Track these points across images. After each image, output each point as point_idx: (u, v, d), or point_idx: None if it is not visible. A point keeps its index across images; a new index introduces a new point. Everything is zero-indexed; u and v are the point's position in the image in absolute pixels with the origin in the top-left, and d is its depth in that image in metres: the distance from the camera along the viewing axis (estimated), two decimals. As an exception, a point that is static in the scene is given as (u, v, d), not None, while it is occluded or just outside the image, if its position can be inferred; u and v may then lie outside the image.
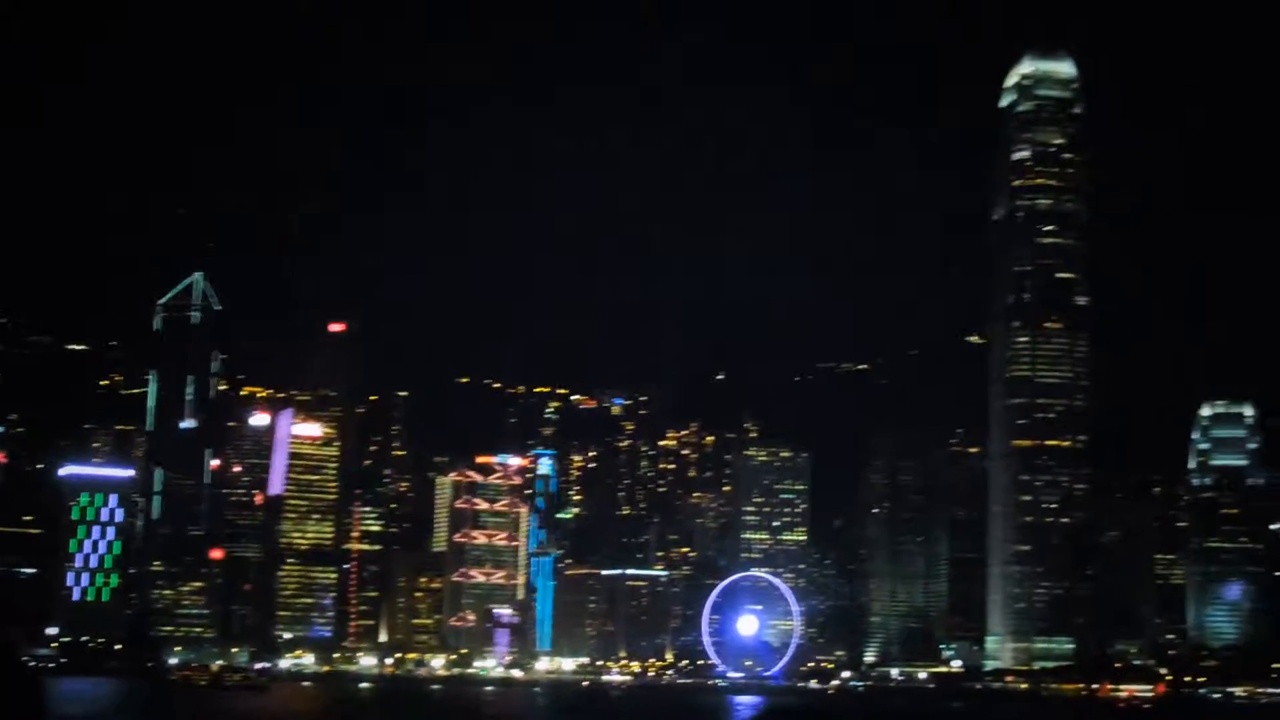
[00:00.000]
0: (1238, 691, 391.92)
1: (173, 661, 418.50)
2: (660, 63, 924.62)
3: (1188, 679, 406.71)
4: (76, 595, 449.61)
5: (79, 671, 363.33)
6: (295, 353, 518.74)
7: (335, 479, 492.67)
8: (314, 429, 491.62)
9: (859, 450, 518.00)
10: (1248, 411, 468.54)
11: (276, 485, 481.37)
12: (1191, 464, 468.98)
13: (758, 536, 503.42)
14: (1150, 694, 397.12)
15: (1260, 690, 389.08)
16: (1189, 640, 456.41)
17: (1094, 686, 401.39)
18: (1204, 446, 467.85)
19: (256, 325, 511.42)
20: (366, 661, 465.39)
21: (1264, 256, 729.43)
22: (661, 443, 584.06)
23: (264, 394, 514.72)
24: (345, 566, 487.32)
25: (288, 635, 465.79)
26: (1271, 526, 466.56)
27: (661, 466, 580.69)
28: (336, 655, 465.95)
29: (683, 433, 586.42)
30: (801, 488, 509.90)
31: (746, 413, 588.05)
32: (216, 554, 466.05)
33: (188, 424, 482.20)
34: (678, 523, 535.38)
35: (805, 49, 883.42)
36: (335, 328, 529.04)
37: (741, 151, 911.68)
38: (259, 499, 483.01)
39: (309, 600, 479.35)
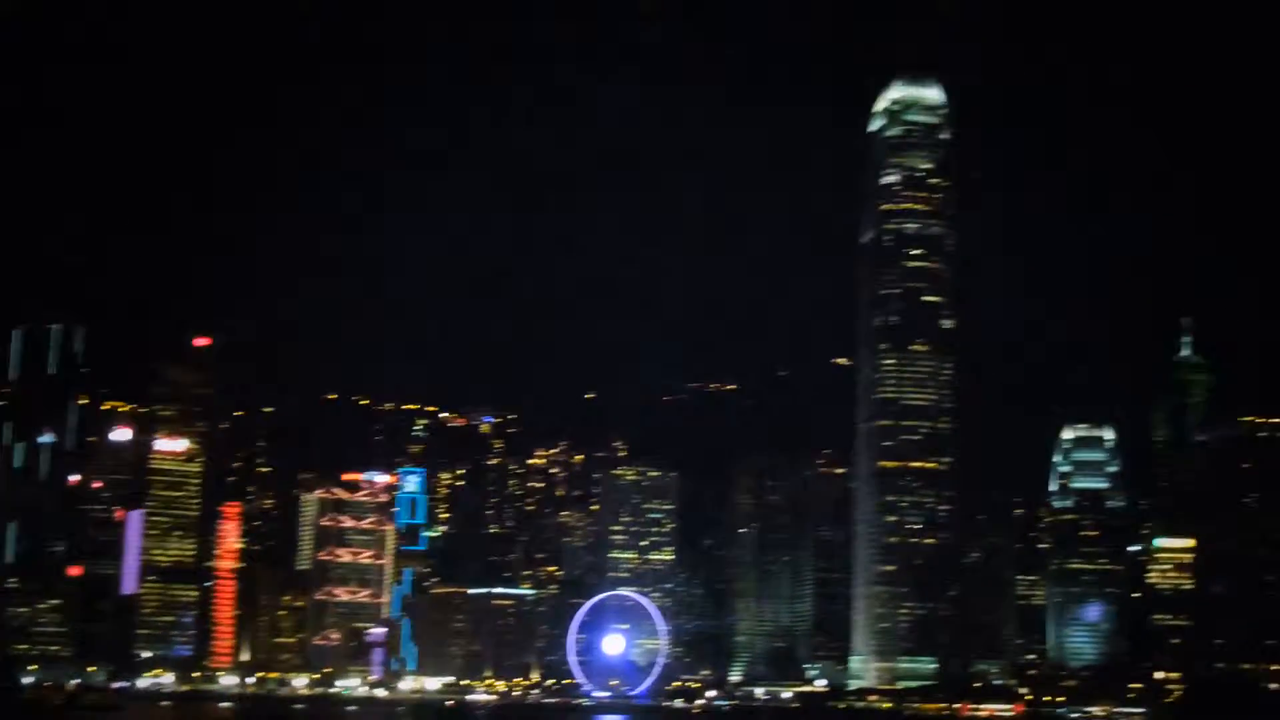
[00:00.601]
0: (1096, 711, 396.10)
1: (27, 680, 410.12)
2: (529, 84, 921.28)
3: (1047, 698, 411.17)
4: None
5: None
6: (159, 367, 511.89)
7: (198, 495, 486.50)
8: (177, 445, 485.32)
9: (727, 470, 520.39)
10: (1108, 435, 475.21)
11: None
12: (1053, 486, 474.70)
13: (625, 556, 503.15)
14: (1009, 713, 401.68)
15: (1117, 710, 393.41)
16: (1049, 660, 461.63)
17: (955, 706, 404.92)
18: (1065, 469, 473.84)
19: (119, 339, 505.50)
20: (228, 680, 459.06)
21: (1126, 282, 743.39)
22: (530, 461, 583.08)
23: (126, 409, 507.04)
24: (207, 584, 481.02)
25: (147, 654, 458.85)
26: (1130, 549, 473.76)
27: (530, 485, 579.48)
28: (197, 674, 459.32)
29: (551, 451, 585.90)
30: (669, 507, 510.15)
31: (615, 432, 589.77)
32: (75, 571, 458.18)
33: (46, 439, 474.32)
34: (545, 541, 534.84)
35: (678, 64, 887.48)
36: (200, 342, 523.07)
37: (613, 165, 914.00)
38: (119, 515, 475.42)
39: (169, 618, 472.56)
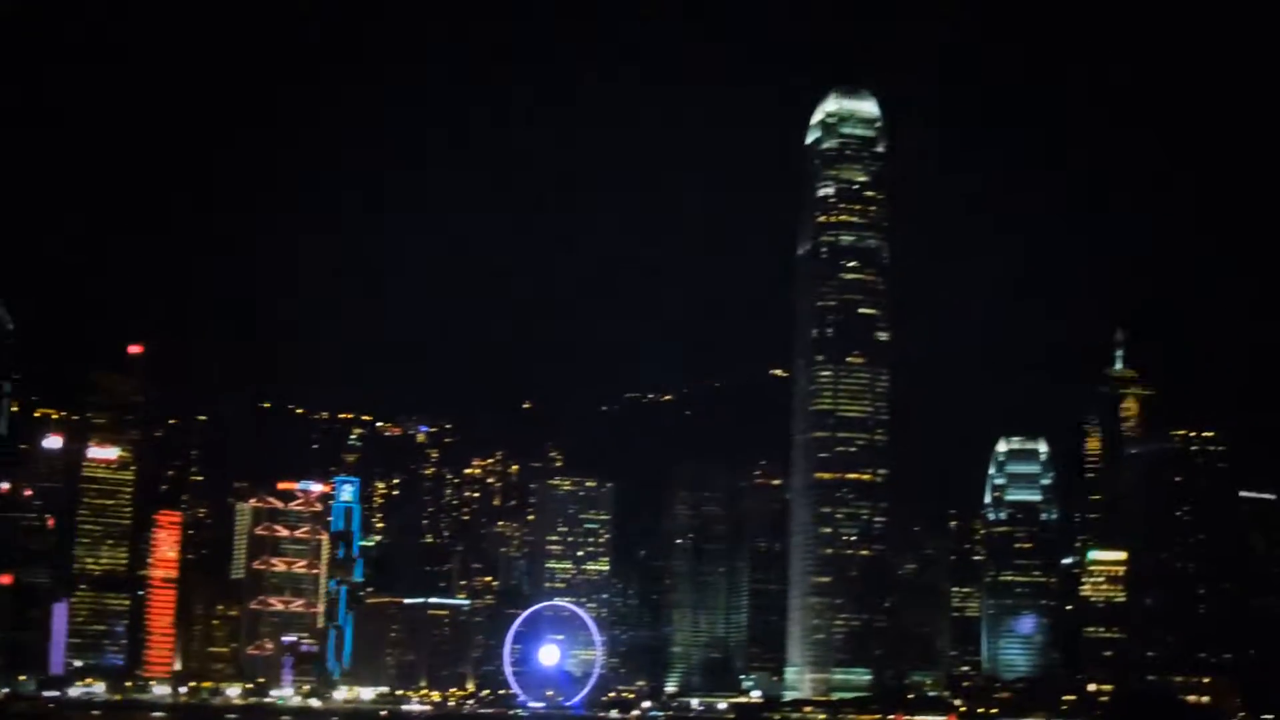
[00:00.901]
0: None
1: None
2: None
3: (981, 710, 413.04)
4: None
5: None
6: (92, 375, 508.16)
7: (131, 504, 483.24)
8: (110, 452, 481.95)
9: (663, 481, 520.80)
10: (1042, 448, 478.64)
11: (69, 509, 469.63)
12: (988, 499, 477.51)
13: (561, 566, 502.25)
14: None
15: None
16: (983, 672, 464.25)
17: (890, 717, 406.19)
18: (999, 481, 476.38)
19: (52, 345, 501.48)
20: (160, 690, 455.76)
21: (1058, 296, 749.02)
22: (466, 471, 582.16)
23: (58, 416, 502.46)
24: (140, 593, 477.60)
25: (79, 663, 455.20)
26: (1063, 561, 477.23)
27: (465, 495, 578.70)
28: (129, 684, 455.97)
29: (487, 461, 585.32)
30: (605, 518, 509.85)
31: (551, 442, 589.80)
32: (4, 579, 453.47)
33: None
34: (481, 551, 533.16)
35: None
36: (134, 350, 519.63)
37: (554, 182, 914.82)
38: (50, 523, 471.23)
39: (101, 627, 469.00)
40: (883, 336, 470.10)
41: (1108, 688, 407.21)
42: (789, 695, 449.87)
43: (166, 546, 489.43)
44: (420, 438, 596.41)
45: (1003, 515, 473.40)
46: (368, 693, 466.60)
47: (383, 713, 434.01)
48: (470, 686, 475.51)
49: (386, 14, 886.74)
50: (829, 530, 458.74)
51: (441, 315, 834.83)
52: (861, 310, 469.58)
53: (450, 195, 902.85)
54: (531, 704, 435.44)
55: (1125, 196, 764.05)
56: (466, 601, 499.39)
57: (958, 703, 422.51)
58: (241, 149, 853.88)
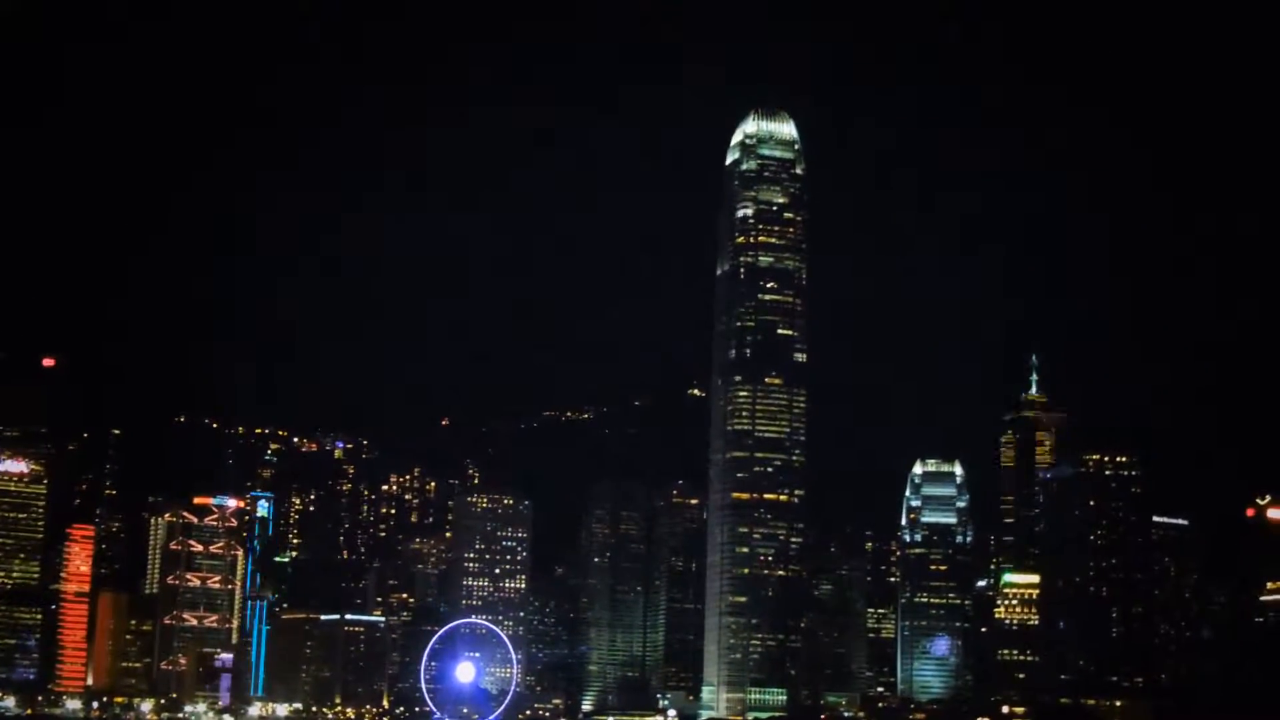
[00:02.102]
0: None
1: None
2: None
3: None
4: None
5: None
6: (3, 386, 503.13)
7: (42, 517, 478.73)
8: (20, 466, 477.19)
9: (581, 499, 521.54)
10: (958, 470, 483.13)
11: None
12: (903, 520, 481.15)
13: (478, 583, 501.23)
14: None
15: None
16: (898, 693, 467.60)
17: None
18: (915, 504, 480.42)
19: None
20: (72, 705, 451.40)
21: (978, 314, 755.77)
22: (383, 487, 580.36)
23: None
24: (53, 607, 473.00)
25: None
26: (978, 583, 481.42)
27: (382, 511, 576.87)
28: (40, 698, 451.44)
29: (404, 478, 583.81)
30: (523, 535, 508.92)
31: (469, 459, 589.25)
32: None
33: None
34: (397, 568, 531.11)
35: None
36: (46, 362, 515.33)
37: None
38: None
39: (12, 641, 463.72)
40: (800, 357, 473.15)
41: (1020, 709, 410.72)
42: (705, 715, 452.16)
43: (79, 560, 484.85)
44: (337, 453, 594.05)
45: (918, 537, 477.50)
46: (282, 709, 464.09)
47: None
48: (386, 703, 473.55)
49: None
50: (745, 550, 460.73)
51: (361, 330, 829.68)
52: (780, 331, 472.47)
53: (370, 209, 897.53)
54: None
55: (1041, 220, 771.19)
56: (382, 619, 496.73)
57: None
58: (163, 157, 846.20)
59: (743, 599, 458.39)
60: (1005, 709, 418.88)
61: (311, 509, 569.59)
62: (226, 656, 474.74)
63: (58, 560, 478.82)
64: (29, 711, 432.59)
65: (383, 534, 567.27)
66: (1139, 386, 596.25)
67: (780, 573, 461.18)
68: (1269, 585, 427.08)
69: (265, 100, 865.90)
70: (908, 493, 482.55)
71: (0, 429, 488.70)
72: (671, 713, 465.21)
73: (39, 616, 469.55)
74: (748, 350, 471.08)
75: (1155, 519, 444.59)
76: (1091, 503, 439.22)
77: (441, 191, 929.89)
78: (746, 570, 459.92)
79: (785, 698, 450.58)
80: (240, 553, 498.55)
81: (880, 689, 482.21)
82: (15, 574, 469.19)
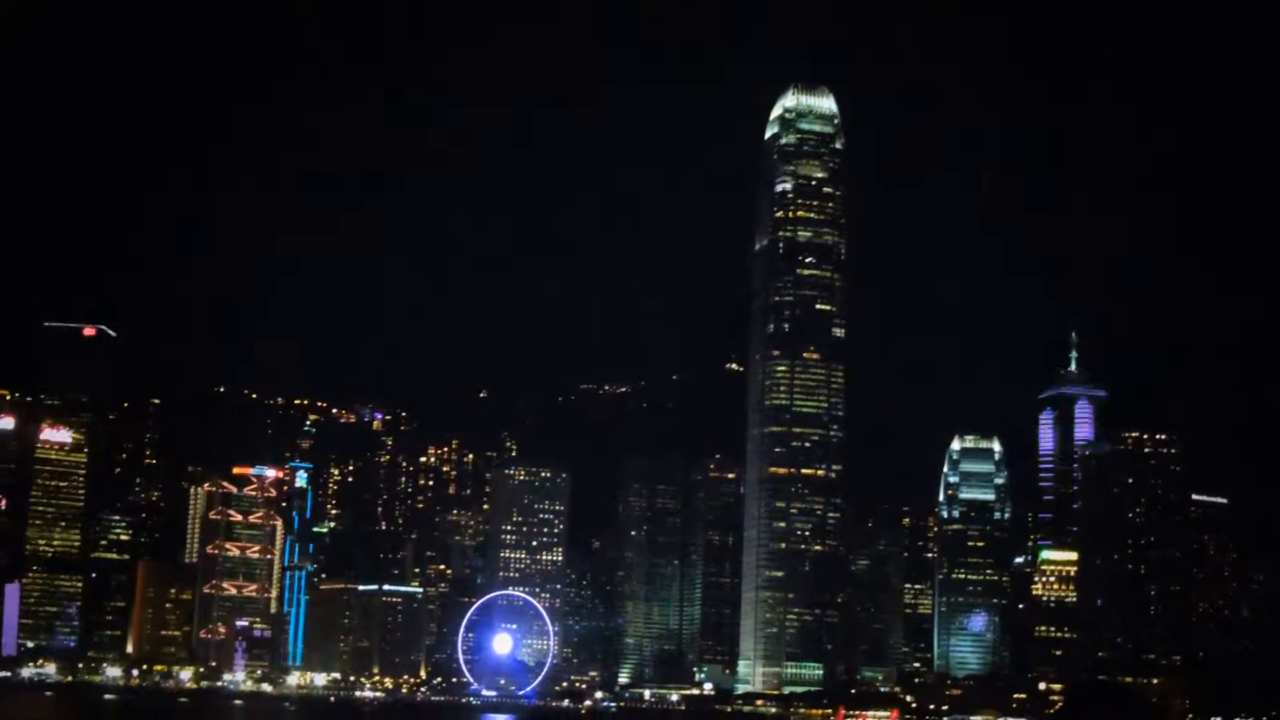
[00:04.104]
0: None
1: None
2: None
3: (932, 707, 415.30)
4: None
5: None
6: (46, 356, 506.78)
7: (84, 486, 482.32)
8: (63, 435, 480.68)
9: (618, 472, 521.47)
10: (996, 447, 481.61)
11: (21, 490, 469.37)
12: (941, 496, 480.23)
13: (515, 555, 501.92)
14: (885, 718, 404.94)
15: (1001, 719, 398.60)
16: (934, 669, 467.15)
17: (829, 712, 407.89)
18: (953, 480, 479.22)
19: (6, 326, 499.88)
20: (112, 673, 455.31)
21: (1015, 293, 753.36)
22: (421, 459, 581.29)
23: (11, 397, 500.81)
24: (93, 575, 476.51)
25: (30, 644, 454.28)
26: (1015, 560, 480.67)
27: (420, 483, 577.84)
28: (81, 666, 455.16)
29: (443, 449, 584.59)
30: (560, 508, 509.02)
31: (507, 432, 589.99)
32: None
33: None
34: (435, 540, 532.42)
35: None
36: (88, 332, 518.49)
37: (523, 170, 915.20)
38: (3, 504, 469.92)
39: (53, 609, 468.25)
40: (839, 333, 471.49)
41: (1057, 686, 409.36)
42: (741, 688, 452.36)
43: (119, 529, 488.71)
44: (375, 425, 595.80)
45: (956, 513, 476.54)
46: (320, 678, 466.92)
47: (331, 698, 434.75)
48: (423, 674, 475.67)
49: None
50: (783, 525, 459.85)
51: (401, 304, 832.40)
52: (818, 306, 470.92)
53: (412, 188, 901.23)
54: (484, 692, 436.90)
55: (1084, 197, 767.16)
56: (420, 589, 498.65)
57: (909, 699, 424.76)
58: (204, 139, 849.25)
59: (779, 573, 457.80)
60: (1042, 685, 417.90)
61: (350, 480, 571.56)
62: (265, 626, 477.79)
63: (98, 529, 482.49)
64: (69, 679, 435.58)
65: (420, 505, 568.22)
66: (1179, 363, 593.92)
67: (817, 547, 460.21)
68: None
69: (308, 70, 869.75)
70: (946, 469, 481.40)
71: (42, 398, 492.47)
72: (708, 686, 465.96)
73: (80, 585, 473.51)
74: (786, 325, 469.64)
75: (1194, 497, 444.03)
76: (1130, 480, 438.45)
77: (487, 168, 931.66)
78: (783, 545, 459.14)
79: (821, 672, 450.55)
80: (279, 523, 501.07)
81: (917, 665, 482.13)
82: (56, 542, 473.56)
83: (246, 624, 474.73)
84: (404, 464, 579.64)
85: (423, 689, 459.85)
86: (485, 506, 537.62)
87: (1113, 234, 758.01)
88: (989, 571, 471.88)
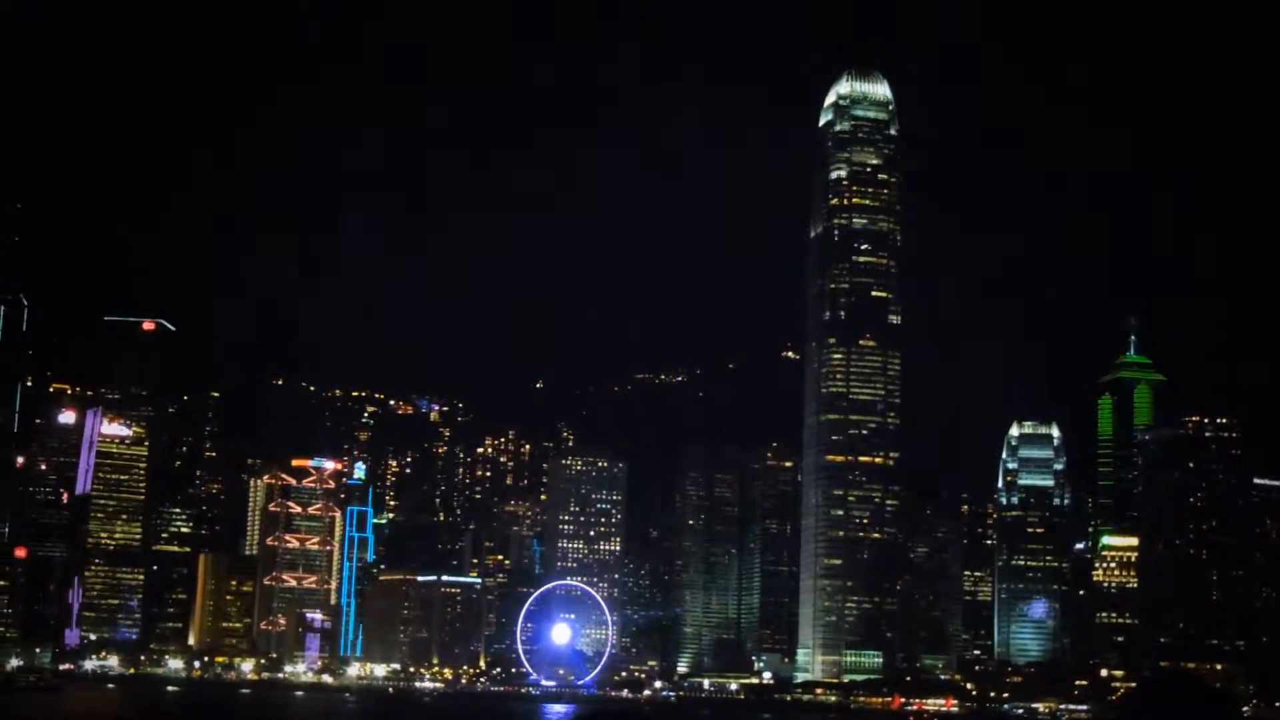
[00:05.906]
0: (1040, 708, 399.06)
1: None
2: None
3: (992, 694, 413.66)
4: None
5: None
6: (106, 350, 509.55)
7: (144, 479, 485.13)
8: (123, 428, 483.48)
9: (675, 462, 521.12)
10: (1055, 433, 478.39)
11: (83, 484, 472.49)
12: (1000, 483, 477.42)
13: (573, 545, 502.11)
14: (941, 708, 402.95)
15: (1062, 707, 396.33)
16: (995, 656, 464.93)
17: (886, 700, 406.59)
18: (1012, 466, 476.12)
19: (66, 321, 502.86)
20: (174, 664, 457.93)
21: (1072, 281, 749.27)
22: (479, 450, 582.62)
23: (72, 391, 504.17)
24: (154, 568, 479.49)
25: (93, 637, 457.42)
26: (1076, 546, 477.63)
27: (478, 473, 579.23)
28: (143, 658, 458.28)
29: (500, 440, 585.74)
30: (618, 498, 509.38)
31: (564, 422, 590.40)
32: (20, 553, 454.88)
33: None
34: (493, 530, 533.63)
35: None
36: (147, 326, 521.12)
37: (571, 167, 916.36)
38: (65, 497, 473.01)
39: (115, 601, 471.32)
40: (895, 320, 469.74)
41: (1119, 673, 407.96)
42: (800, 677, 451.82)
43: (180, 522, 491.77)
44: (433, 416, 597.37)
45: (1015, 500, 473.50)
46: (380, 669, 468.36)
47: (391, 689, 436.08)
48: (482, 664, 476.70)
49: (387, 14, 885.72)
50: (840, 513, 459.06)
51: (456, 294, 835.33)
52: (874, 293, 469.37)
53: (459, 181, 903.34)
54: (543, 682, 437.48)
55: (1142, 183, 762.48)
56: (479, 580, 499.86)
57: (969, 686, 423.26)
58: (254, 138, 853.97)
59: (838, 561, 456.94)
60: (1104, 672, 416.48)
61: (408, 471, 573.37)
62: (325, 617, 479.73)
63: (159, 521, 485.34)
64: (131, 671, 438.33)
65: (478, 496, 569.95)
66: (1239, 347, 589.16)
67: (875, 535, 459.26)
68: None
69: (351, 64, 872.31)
70: (1004, 455, 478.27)
71: (101, 392, 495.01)
72: (767, 675, 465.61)
73: (141, 577, 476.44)
74: (842, 313, 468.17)
75: (1255, 481, 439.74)
76: (1191, 465, 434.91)
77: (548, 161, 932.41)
78: (841, 533, 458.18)
79: (881, 660, 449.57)
80: (338, 514, 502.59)
81: (977, 652, 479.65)
82: (118, 535, 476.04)
83: (307, 615, 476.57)
84: (461, 455, 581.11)
85: (482, 679, 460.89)
86: (543, 497, 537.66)
87: (1176, 219, 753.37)
88: (1049, 558, 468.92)
